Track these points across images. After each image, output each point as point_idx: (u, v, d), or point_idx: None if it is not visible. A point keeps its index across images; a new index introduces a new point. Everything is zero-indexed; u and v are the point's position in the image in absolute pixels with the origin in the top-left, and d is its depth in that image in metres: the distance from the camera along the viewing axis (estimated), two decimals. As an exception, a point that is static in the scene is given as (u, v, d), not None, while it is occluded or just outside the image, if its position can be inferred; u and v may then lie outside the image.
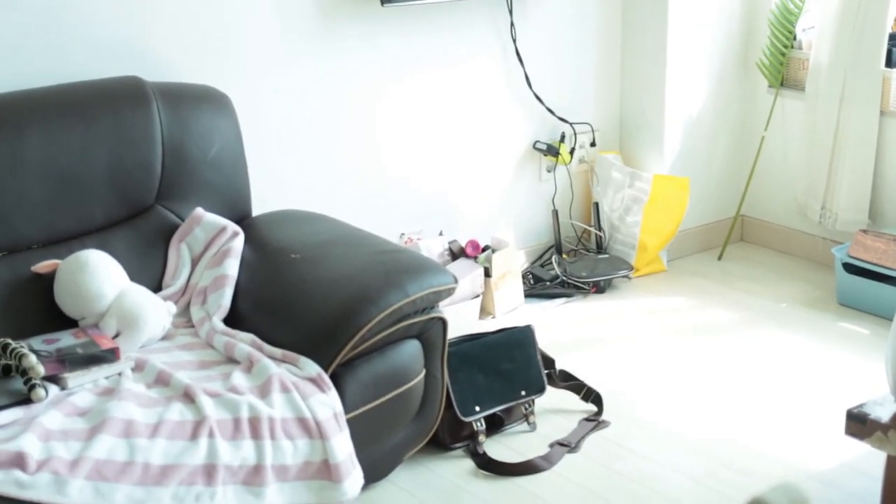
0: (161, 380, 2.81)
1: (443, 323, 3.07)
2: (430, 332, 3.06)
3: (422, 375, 3.06)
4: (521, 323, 3.53)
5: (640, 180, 4.55)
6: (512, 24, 4.28)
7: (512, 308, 4.24)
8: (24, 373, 2.68)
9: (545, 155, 4.51)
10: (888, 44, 4.29)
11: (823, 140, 4.49)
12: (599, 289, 4.41)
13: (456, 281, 3.05)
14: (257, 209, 3.50)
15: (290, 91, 3.83)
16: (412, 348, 3.03)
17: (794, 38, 4.61)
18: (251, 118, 3.66)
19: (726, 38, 4.70)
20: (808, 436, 3.38)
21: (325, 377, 2.82)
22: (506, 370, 3.35)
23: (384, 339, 2.94)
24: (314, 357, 2.86)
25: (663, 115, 4.60)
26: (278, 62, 3.78)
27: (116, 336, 2.97)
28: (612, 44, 4.66)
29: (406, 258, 3.10)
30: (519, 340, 3.40)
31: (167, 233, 3.29)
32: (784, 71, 4.65)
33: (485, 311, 4.17)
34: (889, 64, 4.31)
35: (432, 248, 4.13)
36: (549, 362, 3.50)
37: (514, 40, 4.31)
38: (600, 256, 4.54)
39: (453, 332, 3.21)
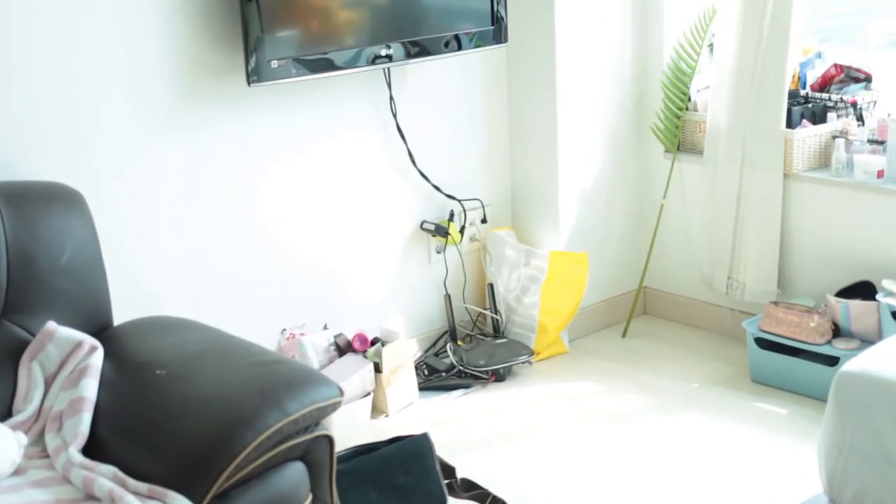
0: (8, 529, 2.45)
1: (329, 441, 2.75)
2: (315, 451, 2.73)
3: (308, 501, 2.73)
4: (416, 425, 3.24)
5: (535, 258, 4.29)
6: (391, 98, 4.01)
7: (406, 404, 3.93)
8: None
9: (434, 235, 4.23)
10: (788, 103, 4.10)
11: (725, 206, 4.28)
12: (499, 377, 4.13)
13: (342, 393, 2.73)
14: (121, 317, 3.15)
15: (150, 183, 3.50)
16: (296, 472, 2.70)
17: (689, 100, 4.41)
18: (108, 216, 3.33)
19: (618, 103, 4.48)
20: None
21: (199, 514, 2.48)
22: (402, 484, 3.04)
23: (264, 464, 2.61)
24: (185, 491, 2.51)
25: (557, 186, 4.35)
26: (136, 152, 3.45)
27: (-43, 476, 2.61)
28: (499, 114, 4.41)
29: (285, 370, 2.77)
30: (415, 451, 3.09)
31: (16, 351, 2.91)
32: (680, 134, 4.44)
33: (377, 410, 3.86)
34: (790, 124, 4.12)
35: (317, 344, 3.82)
36: (449, 471, 3.19)
37: (395, 115, 4.04)
38: (498, 341, 4.25)
39: (342, 440, 2.89)
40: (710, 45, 4.38)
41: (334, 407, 2.72)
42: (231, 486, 2.57)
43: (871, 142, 4.05)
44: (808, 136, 4.12)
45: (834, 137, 4.12)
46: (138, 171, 3.46)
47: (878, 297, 3.82)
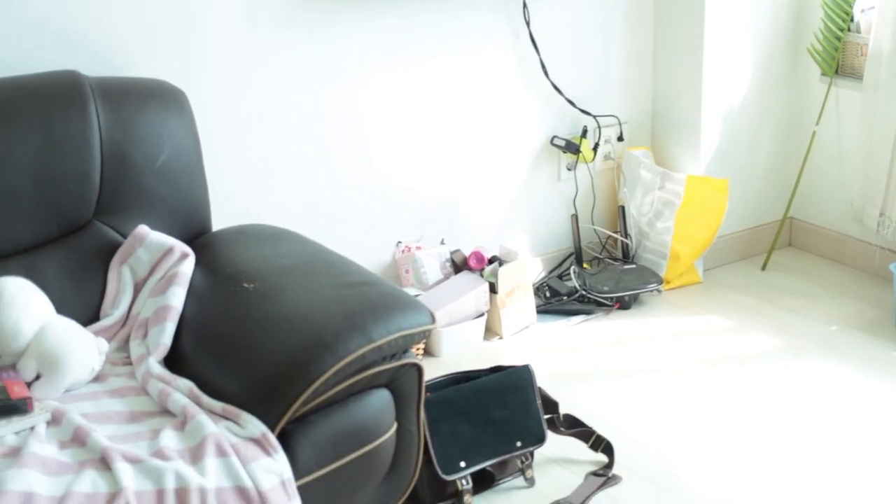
0: (77, 438, 2.35)
1: (417, 370, 2.58)
2: (401, 379, 2.57)
3: (392, 430, 2.57)
4: (530, 349, 3.04)
5: (672, 181, 4.03)
6: (525, 5, 3.77)
7: (522, 327, 3.75)
8: None
9: (564, 152, 4.00)
10: (960, 27, 3.74)
11: (883, 136, 3.94)
12: (624, 305, 3.90)
13: (433, 321, 2.55)
14: (222, 224, 3.02)
15: (261, 85, 3.35)
16: (380, 399, 2.54)
17: (851, 21, 4.05)
18: (213, 117, 3.20)
19: (773, 21, 4.15)
20: (863, 496, 2.87)
21: (271, 437, 2.34)
22: (498, 418, 2.86)
23: (345, 390, 2.45)
24: (259, 412, 2.38)
25: (700, 106, 4.06)
26: (247, 52, 3.30)
27: (36, 379, 2.52)
28: (643, 25, 4.13)
29: (374, 293, 2.59)
30: (514, 384, 2.90)
31: (107, 254, 2.81)
32: (839, 57, 4.09)
33: (490, 331, 3.69)
34: (960, 50, 3.76)
35: (432, 259, 3.66)
36: (551, 406, 3.00)
37: (528, 22, 3.80)
38: (626, 267, 4.02)
39: (452, 362, 2.70)
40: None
41: (424, 335, 2.55)
42: (309, 411, 2.43)
43: None
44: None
45: None
46: (246, 71, 3.31)
47: None
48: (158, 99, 2.90)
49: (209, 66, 3.23)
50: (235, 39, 3.27)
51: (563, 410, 3.04)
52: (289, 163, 3.45)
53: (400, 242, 3.71)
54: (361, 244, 3.60)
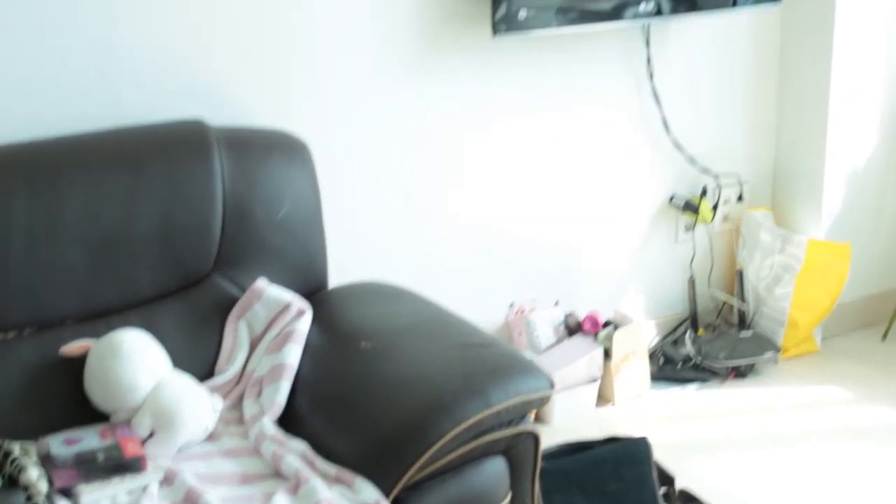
0: (190, 500, 2.32)
1: (534, 438, 2.52)
2: (517, 447, 2.51)
3: (507, 501, 2.51)
4: (643, 418, 2.97)
5: (792, 245, 3.93)
6: (648, 59, 3.71)
7: (636, 395, 3.67)
8: (26, 488, 2.25)
9: (682, 212, 3.92)
10: None
11: None
12: (740, 373, 3.80)
13: (552, 386, 2.50)
14: (338, 278, 3.00)
15: (380, 136, 3.33)
16: (496, 467, 2.48)
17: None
18: (332, 170, 3.19)
19: (900, 80, 4.05)
20: None
21: (386, 505, 2.31)
22: (613, 491, 2.79)
23: (461, 457, 2.40)
24: (375, 477, 2.34)
25: (823, 167, 3.96)
26: (368, 101, 3.28)
27: (150, 436, 2.50)
28: (767, 84, 4.05)
29: (493, 355, 2.54)
30: (631, 455, 2.83)
31: (224, 308, 2.80)
32: (972, 120, 3.98)
33: (603, 398, 3.62)
34: None
35: (545, 321, 3.60)
36: (667, 479, 2.92)
37: (651, 77, 3.74)
38: (742, 334, 3.91)
39: (562, 429, 2.65)
40: None
41: (543, 401, 2.49)
42: (424, 478, 2.38)
43: None
44: None
45: None
46: (369, 121, 3.29)
47: None
48: (281, 150, 2.90)
49: (329, 117, 3.22)
50: (358, 89, 3.25)
51: (678, 484, 2.95)
52: (403, 217, 3.42)
53: (513, 304, 3.66)
54: (474, 305, 3.55)
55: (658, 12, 3.48)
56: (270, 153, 2.88)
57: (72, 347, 2.58)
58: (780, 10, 3.81)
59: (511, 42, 3.43)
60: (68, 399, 2.57)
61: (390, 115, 3.33)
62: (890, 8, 3.93)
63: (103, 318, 2.69)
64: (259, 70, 3.08)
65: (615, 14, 3.41)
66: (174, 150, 2.76)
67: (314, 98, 3.19)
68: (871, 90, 3.98)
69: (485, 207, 3.57)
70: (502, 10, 3.23)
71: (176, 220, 2.72)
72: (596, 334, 3.60)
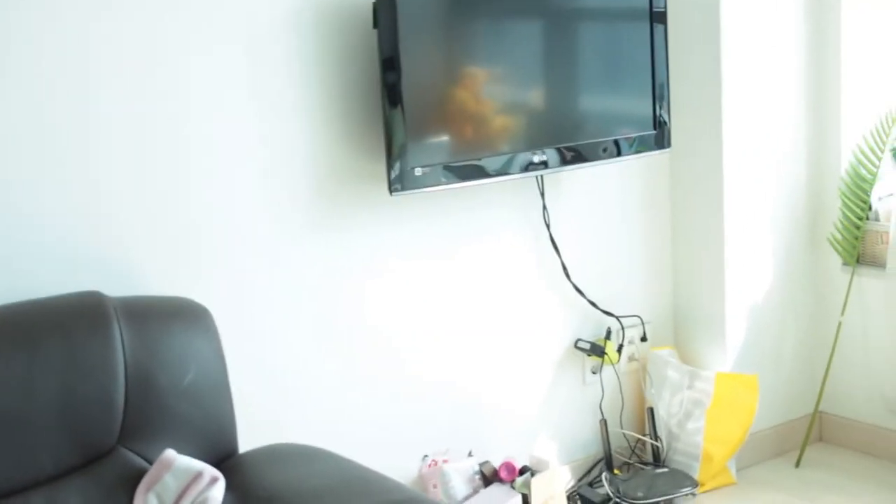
0: None
1: None
2: None
3: None
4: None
5: (700, 380, 3.94)
6: (544, 207, 3.74)
7: (558, 540, 3.60)
8: None
9: (589, 355, 3.91)
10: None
11: (913, 325, 3.89)
12: (659, 510, 3.77)
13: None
14: (246, 443, 2.91)
15: (282, 296, 3.28)
16: None
17: (870, 209, 4.03)
18: (235, 333, 3.11)
19: (791, 213, 4.13)
20: None
21: None
22: None
23: None
24: None
25: (724, 302, 4.01)
26: (268, 264, 3.24)
27: None
28: (661, 224, 4.11)
29: (418, 513, 2.48)
30: None
31: (131, 481, 2.68)
32: (860, 246, 4.06)
33: (525, 546, 3.54)
34: (985, 236, 3.74)
35: (460, 472, 3.53)
36: None
37: (548, 226, 3.76)
38: (658, 471, 3.89)
39: None
40: (893, 150, 4.02)
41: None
42: None
43: None
44: None
45: None
46: (270, 282, 3.25)
47: None
48: (183, 317, 2.83)
49: (231, 280, 3.17)
50: (257, 251, 3.21)
51: None
52: (311, 374, 3.36)
53: (426, 456, 3.59)
54: (386, 457, 3.47)
55: (547, 165, 3.52)
56: (172, 321, 2.80)
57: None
58: (668, 153, 3.88)
59: (409, 198, 3.42)
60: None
61: (292, 275, 3.29)
62: (776, 144, 4.03)
63: (5, 499, 2.56)
64: (159, 237, 3.03)
65: (507, 169, 3.45)
66: (71, 323, 2.67)
67: (214, 263, 3.14)
68: (763, 224, 4.06)
69: (391, 361, 3.52)
70: (397, 170, 3.24)
71: (76, 394, 2.62)
72: (513, 482, 3.54)
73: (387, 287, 3.49)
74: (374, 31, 3.22)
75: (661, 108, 3.71)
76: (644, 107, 3.71)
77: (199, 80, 3.06)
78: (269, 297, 3.25)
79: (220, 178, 3.12)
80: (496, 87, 3.47)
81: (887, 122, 3.96)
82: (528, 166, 3.49)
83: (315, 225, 3.31)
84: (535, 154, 3.50)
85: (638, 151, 3.73)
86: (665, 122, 3.73)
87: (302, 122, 3.25)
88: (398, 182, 3.26)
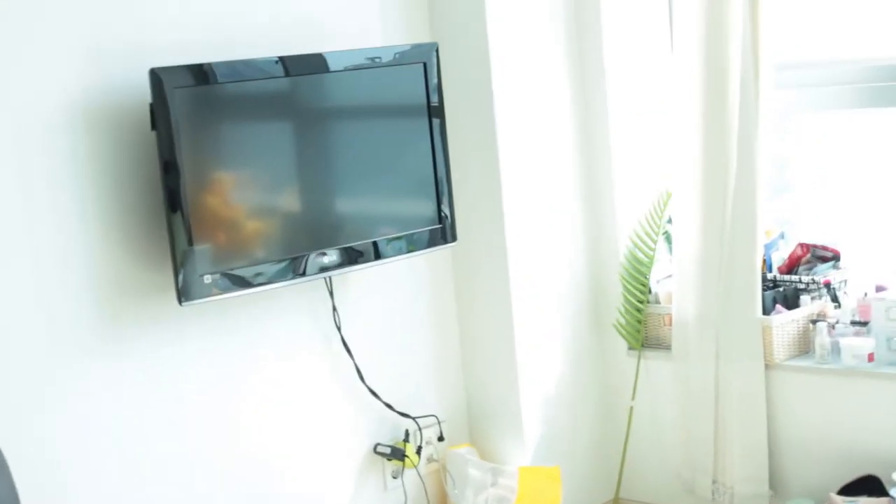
0: None
1: None
2: None
3: None
4: None
5: (503, 476, 3.87)
6: (334, 309, 3.63)
7: None
8: None
9: (389, 459, 3.79)
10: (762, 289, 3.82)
11: (702, 403, 3.92)
12: None
13: None
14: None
15: (72, 424, 3.07)
16: None
17: (650, 292, 4.09)
18: (30, 471, 2.85)
19: (575, 300, 4.14)
20: None
21: None
22: None
23: None
24: None
25: (518, 394, 3.97)
26: (56, 404, 3.02)
27: None
28: (449, 318, 4.06)
29: None
30: None
31: None
32: (643, 329, 4.10)
33: None
34: (764, 311, 3.82)
35: None
36: None
37: (339, 328, 3.65)
38: (468, 573, 3.78)
39: None
40: (666, 233, 4.10)
41: None
42: None
43: (853, 323, 3.77)
44: (786, 322, 3.81)
45: (813, 322, 3.81)
46: (57, 412, 3.03)
47: (892, 493, 3.45)
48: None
49: (11, 409, 2.92)
50: (39, 376, 3.00)
51: None
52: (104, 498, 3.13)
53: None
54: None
55: (334, 266, 3.43)
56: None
57: None
58: (450, 252, 3.85)
59: (200, 307, 3.25)
60: None
61: (76, 403, 3.07)
62: (557, 231, 4.06)
63: None
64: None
65: (298, 271, 3.34)
66: None
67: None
68: (548, 311, 4.06)
69: (191, 480, 3.32)
70: (182, 278, 3.09)
71: None
72: None
73: (178, 406, 3.30)
74: (153, 133, 3.07)
75: (443, 202, 3.67)
76: (427, 202, 3.66)
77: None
78: (58, 428, 3.04)
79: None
80: (269, 190, 3.37)
81: (659, 206, 4.04)
82: (317, 269, 3.39)
83: (96, 344, 3.12)
84: (320, 255, 3.40)
85: (425, 247, 3.67)
86: (448, 216, 3.69)
87: (75, 234, 3.06)
88: (186, 291, 3.10)
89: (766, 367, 3.81)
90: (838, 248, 3.98)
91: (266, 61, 3.28)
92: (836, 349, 3.74)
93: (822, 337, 3.75)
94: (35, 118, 2.98)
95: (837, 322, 3.80)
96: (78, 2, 3.05)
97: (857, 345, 3.67)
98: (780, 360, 3.80)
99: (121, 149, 3.13)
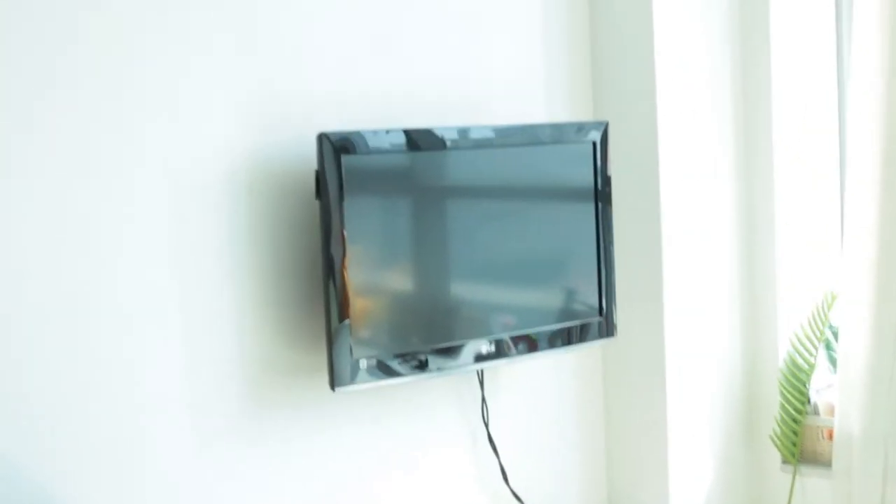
0: None
1: None
2: None
3: None
4: None
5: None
6: (484, 401, 3.36)
7: None
8: None
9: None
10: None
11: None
12: None
13: None
14: None
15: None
16: None
17: (808, 402, 3.79)
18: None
19: (729, 406, 3.86)
20: None
21: None
22: None
23: None
24: None
25: (667, 495, 3.68)
26: (196, 481, 2.78)
27: None
28: (595, 420, 3.79)
29: None
30: None
31: None
32: (800, 442, 3.79)
33: None
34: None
35: None
36: None
37: (487, 423, 3.38)
38: None
39: None
40: (826, 341, 3.81)
41: None
42: None
43: None
44: (966, 444, 3.51)
45: None
46: (198, 498, 2.77)
47: None
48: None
49: (153, 496, 2.68)
50: (181, 465, 2.75)
51: None
52: None
53: None
54: None
55: (495, 355, 3.18)
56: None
57: None
58: (601, 346, 3.60)
59: (349, 396, 3.00)
60: None
61: (224, 495, 2.83)
62: (714, 336, 3.80)
63: None
64: (66, 451, 2.56)
65: (454, 360, 3.10)
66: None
67: (130, 479, 2.65)
68: (701, 417, 3.78)
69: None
70: (339, 360, 2.84)
71: None
72: None
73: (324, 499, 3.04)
74: (316, 202, 2.84)
75: (605, 294, 3.42)
76: (589, 293, 3.40)
77: (112, 252, 2.63)
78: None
79: (133, 389, 2.68)
80: (429, 273, 3.15)
81: (823, 308, 3.77)
82: (472, 359, 3.15)
83: (247, 432, 2.89)
84: (479, 345, 3.15)
85: (583, 340, 3.41)
86: (609, 310, 3.44)
87: (228, 310, 2.84)
88: (340, 376, 2.84)
89: (942, 490, 3.50)
90: None
91: (444, 129, 3.08)
92: None
93: None
94: (194, 180, 2.77)
95: None
96: (246, 60, 2.86)
97: None
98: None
99: (281, 219, 2.91)
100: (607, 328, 3.44)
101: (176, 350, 2.74)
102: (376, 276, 2.99)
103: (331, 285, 2.85)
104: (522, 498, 3.49)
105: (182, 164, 2.74)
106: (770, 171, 3.81)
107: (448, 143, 3.08)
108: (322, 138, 2.80)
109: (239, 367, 2.85)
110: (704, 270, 3.77)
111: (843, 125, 3.87)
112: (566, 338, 3.35)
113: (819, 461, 3.78)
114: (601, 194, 3.39)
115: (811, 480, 3.80)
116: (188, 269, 2.76)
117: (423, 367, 3.04)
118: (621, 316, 3.57)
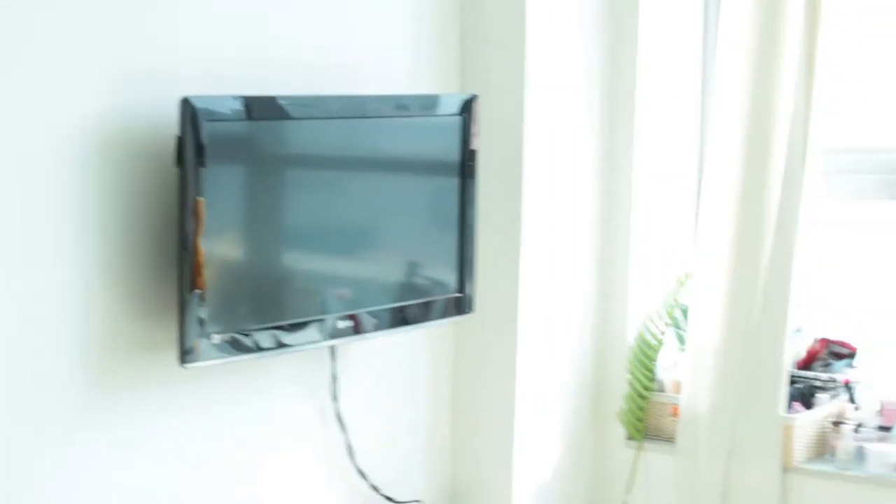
0: None
1: None
2: None
3: None
4: None
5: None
6: (334, 378, 3.25)
7: None
8: None
9: (371, 545, 3.43)
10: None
11: (709, 504, 3.64)
12: None
13: None
14: None
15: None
16: None
17: (655, 379, 3.80)
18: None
19: (579, 384, 3.83)
20: None
21: None
22: None
23: None
24: None
25: (510, 483, 3.64)
26: (37, 459, 2.62)
27: None
28: (443, 397, 3.72)
29: None
30: None
31: None
32: (645, 419, 3.80)
33: None
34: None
35: None
36: None
37: (336, 400, 3.27)
38: None
39: None
40: (674, 319, 3.83)
41: None
42: None
43: (880, 428, 3.56)
44: (808, 422, 3.57)
45: (835, 423, 3.57)
46: (41, 481, 2.62)
47: None
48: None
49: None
50: (20, 442, 2.58)
51: None
52: None
53: None
54: None
55: (353, 331, 3.10)
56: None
57: None
58: (455, 324, 3.54)
59: (197, 372, 2.85)
60: None
61: (65, 472, 2.69)
62: (569, 309, 3.78)
63: None
64: None
65: (310, 335, 3.02)
66: None
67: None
68: (552, 394, 3.75)
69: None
70: (189, 335, 2.70)
71: None
72: None
73: (168, 478, 2.92)
74: (175, 169, 2.68)
75: (466, 270, 3.36)
76: (448, 269, 3.35)
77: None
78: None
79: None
80: (290, 245, 3.05)
81: (675, 288, 3.80)
82: (329, 335, 3.05)
83: (89, 411, 2.73)
84: (335, 320, 3.05)
85: (441, 317, 3.34)
86: (469, 286, 3.37)
87: (70, 282, 2.66)
88: (190, 351, 2.71)
89: (784, 469, 3.55)
90: (855, 345, 3.76)
91: (312, 98, 2.98)
92: (859, 454, 3.50)
93: (846, 441, 3.51)
94: (45, 140, 2.58)
95: (860, 425, 3.57)
96: (102, 22, 2.68)
97: (886, 451, 3.44)
98: (799, 463, 3.55)
99: (134, 184, 2.74)
100: (464, 305, 3.39)
101: (14, 320, 2.56)
102: (231, 248, 2.87)
103: (184, 254, 2.70)
104: (368, 475, 3.41)
105: (32, 122, 2.55)
106: (630, 156, 3.81)
107: (312, 112, 2.99)
108: (185, 102, 2.65)
109: (83, 341, 2.68)
110: (562, 251, 3.73)
111: (704, 112, 3.91)
112: (421, 314, 3.29)
113: (662, 437, 3.80)
114: (465, 168, 3.31)
115: (655, 456, 3.81)
116: (31, 232, 2.57)
117: (275, 343, 2.93)
118: (477, 294, 3.51)
